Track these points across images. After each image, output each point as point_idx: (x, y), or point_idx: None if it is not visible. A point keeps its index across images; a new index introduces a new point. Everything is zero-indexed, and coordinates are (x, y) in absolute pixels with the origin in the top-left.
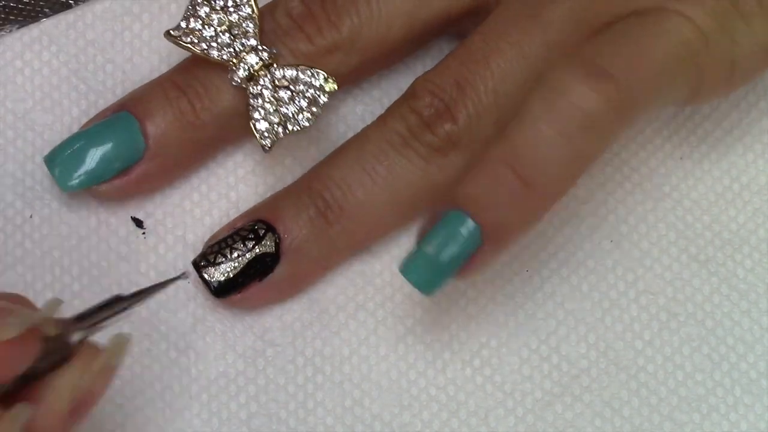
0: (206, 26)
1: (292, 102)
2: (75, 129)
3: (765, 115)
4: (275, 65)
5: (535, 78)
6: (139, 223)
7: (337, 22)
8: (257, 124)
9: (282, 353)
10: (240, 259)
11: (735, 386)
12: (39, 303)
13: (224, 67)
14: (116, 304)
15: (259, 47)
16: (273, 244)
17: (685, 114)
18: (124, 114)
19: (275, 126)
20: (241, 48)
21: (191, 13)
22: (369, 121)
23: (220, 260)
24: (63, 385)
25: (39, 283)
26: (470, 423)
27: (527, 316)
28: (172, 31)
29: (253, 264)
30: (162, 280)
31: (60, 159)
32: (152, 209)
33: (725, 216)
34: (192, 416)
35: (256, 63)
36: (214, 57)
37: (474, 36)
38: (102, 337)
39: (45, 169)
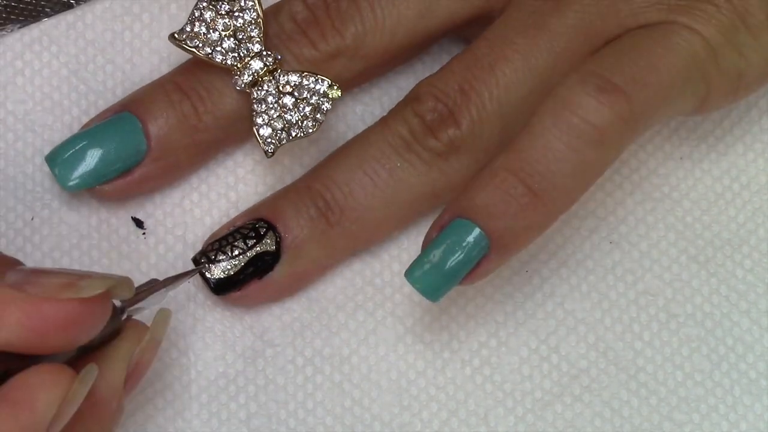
0: (211, 30)
1: (296, 108)
2: (75, 129)
3: (765, 115)
4: (279, 70)
5: (540, 88)
6: (139, 223)
7: (341, 28)
8: (260, 129)
9: (281, 353)
10: (240, 257)
11: (734, 386)
12: None
13: (227, 70)
14: (152, 288)
15: (264, 52)
16: (273, 242)
17: None
18: (127, 115)
19: (279, 132)
20: (246, 53)
21: (196, 16)
22: (369, 121)
23: (220, 258)
24: (118, 356)
25: None
26: (470, 422)
27: (527, 316)
28: (176, 35)
29: (253, 262)
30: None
31: (61, 158)
32: (152, 209)
33: (725, 216)
34: (192, 416)
35: (261, 68)
36: (218, 61)
37: (480, 42)
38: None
39: (46, 169)
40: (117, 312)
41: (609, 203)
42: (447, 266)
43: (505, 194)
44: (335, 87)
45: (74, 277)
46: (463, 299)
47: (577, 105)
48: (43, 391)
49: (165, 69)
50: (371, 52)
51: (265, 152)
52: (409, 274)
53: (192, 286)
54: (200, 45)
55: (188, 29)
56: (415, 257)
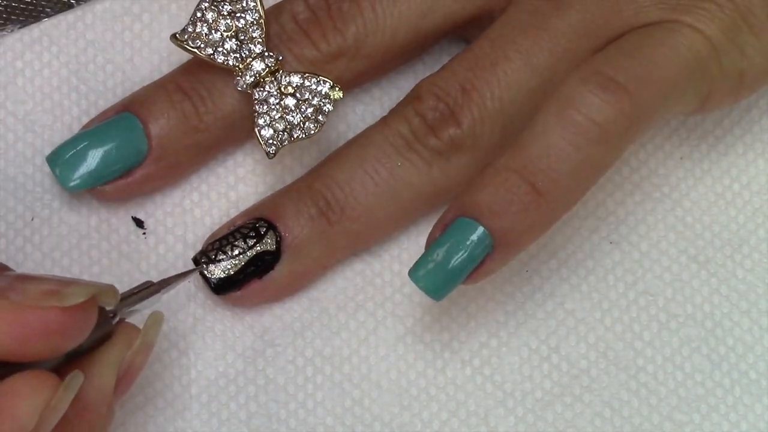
0: (213, 31)
1: (297, 110)
2: (76, 129)
3: (765, 115)
4: (281, 71)
5: (542, 87)
6: (139, 223)
7: (343, 28)
8: (262, 130)
9: (282, 353)
10: (240, 256)
11: (734, 386)
12: None
13: (228, 70)
14: (147, 290)
15: (266, 53)
16: (274, 242)
17: None
18: (128, 115)
19: (280, 133)
20: (248, 54)
21: (198, 17)
22: (369, 121)
23: (220, 257)
24: (109, 360)
25: None
26: (470, 423)
27: (527, 316)
28: (177, 35)
29: (254, 262)
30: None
31: (62, 159)
32: (153, 209)
33: (725, 216)
34: (192, 416)
35: (263, 69)
36: (219, 62)
37: (481, 41)
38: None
39: (46, 170)
40: (107, 316)
41: (609, 203)
42: (451, 265)
43: (509, 193)
44: (337, 88)
45: (59, 285)
46: (463, 299)
47: (580, 103)
48: (26, 399)
49: (165, 69)
50: (372, 52)
51: (267, 153)
52: (413, 273)
53: (192, 286)
54: (202, 45)
55: (190, 30)
56: (418, 256)
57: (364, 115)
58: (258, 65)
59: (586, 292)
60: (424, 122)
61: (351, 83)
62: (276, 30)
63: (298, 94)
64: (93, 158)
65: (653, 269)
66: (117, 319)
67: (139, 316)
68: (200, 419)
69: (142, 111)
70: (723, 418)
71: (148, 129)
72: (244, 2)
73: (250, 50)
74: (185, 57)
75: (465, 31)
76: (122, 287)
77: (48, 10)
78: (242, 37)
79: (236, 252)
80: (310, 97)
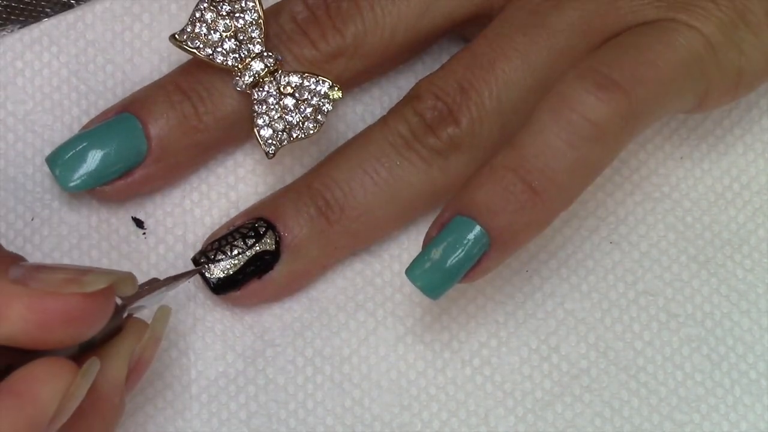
0: (212, 31)
1: (296, 110)
2: (76, 129)
3: (765, 115)
4: (280, 71)
5: (540, 85)
6: (139, 223)
7: (342, 28)
8: (261, 131)
9: (282, 353)
10: (240, 256)
11: (734, 386)
12: None
13: (227, 70)
14: (153, 286)
15: (265, 53)
16: (273, 242)
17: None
18: (127, 116)
19: (279, 133)
20: (247, 54)
21: (197, 17)
22: (369, 121)
23: (219, 257)
24: (120, 353)
25: None
26: (470, 423)
27: (527, 316)
28: (177, 35)
29: (253, 261)
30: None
31: (62, 159)
32: (152, 209)
33: (725, 216)
34: (192, 416)
35: (262, 69)
36: (219, 62)
37: (479, 40)
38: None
39: (46, 170)
40: (119, 310)
41: (609, 203)
42: (448, 264)
43: (505, 191)
44: (336, 88)
45: (77, 273)
46: (463, 299)
47: (576, 102)
48: (46, 384)
49: (165, 69)
50: (372, 52)
51: (266, 153)
52: (410, 272)
53: (192, 286)
54: (201, 46)
55: (189, 30)
56: (416, 255)
57: (364, 115)
58: (257, 65)
59: (586, 292)
60: (423, 122)
61: (350, 83)
62: (275, 30)
63: (297, 94)
64: (93, 159)
65: (653, 269)
66: (126, 313)
67: (146, 312)
68: (200, 419)
69: (142, 112)
70: (723, 418)
71: (147, 129)
72: (243, 2)
73: (249, 50)
74: (185, 57)
75: (464, 29)
76: None
77: (48, 10)
78: (241, 37)
79: (235, 252)
80: (309, 97)
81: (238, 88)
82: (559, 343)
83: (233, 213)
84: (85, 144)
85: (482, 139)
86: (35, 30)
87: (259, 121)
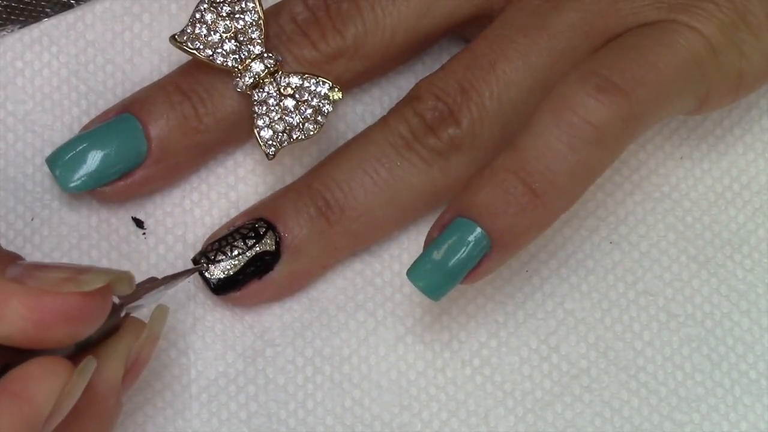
0: (212, 32)
1: (297, 111)
2: (75, 129)
3: (765, 115)
4: (280, 72)
5: (541, 86)
6: (139, 223)
7: (342, 29)
8: (261, 132)
9: (282, 353)
10: (240, 257)
11: (734, 386)
12: None
13: (227, 71)
14: (151, 285)
15: (265, 54)
16: (273, 242)
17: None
18: (127, 116)
19: (280, 134)
20: (247, 55)
21: (197, 18)
22: (369, 121)
23: (220, 258)
24: (117, 352)
25: None
26: (470, 423)
27: (527, 316)
28: (176, 36)
29: (253, 262)
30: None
31: (62, 160)
32: (152, 209)
33: (725, 216)
34: (192, 416)
35: (262, 70)
36: (219, 63)
37: (480, 41)
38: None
39: (46, 170)
40: (116, 308)
41: (609, 203)
42: (449, 265)
43: (506, 194)
44: (336, 89)
45: (75, 272)
46: (463, 299)
47: (576, 104)
48: (42, 383)
49: (165, 69)
50: (372, 52)
51: (266, 154)
52: (411, 273)
53: (192, 286)
54: (201, 47)
55: (189, 31)
56: (417, 257)
57: (364, 115)
58: (257, 66)
59: (586, 292)
60: (424, 122)
61: (350, 83)
62: (275, 31)
63: (297, 95)
64: (93, 160)
65: (653, 269)
66: (123, 312)
67: (144, 311)
68: (200, 419)
69: (142, 112)
70: (723, 418)
71: (147, 130)
72: (243, 3)
73: (249, 51)
74: (185, 57)
75: (464, 30)
76: None
77: (48, 10)
78: (241, 38)
79: (236, 252)
80: (310, 98)
81: (238, 89)
82: (559, 343)
83: (233, 213)
84: (85, 145)
85: (483, 140)
86: (35, 30)
87: (260, 122)
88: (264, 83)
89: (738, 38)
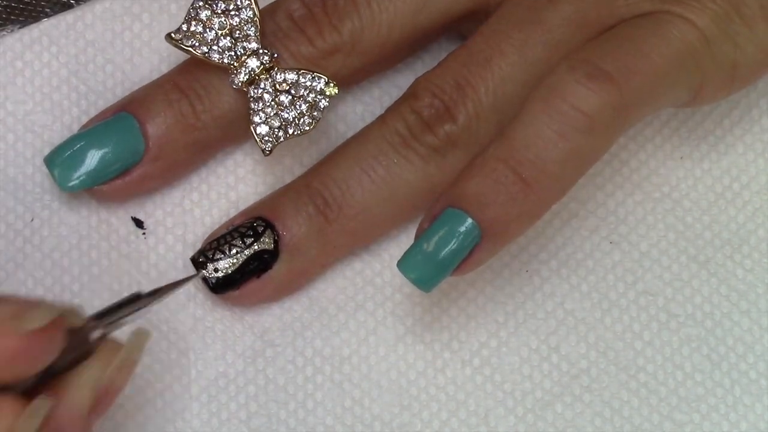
0: (207, 29)
1: (292, 106)
2: (75, 129)
3: (765, 114)
4: (276, 69)
5: (536, 80)
6: (139, 223)
7: (338, 24)
8: (258, 128)
9: (282, 353)
10: (238, 255)
11: (734, 386)
12: None
13: (225, 69)
14: (135, 303)
15: (260, 51)
16: (272, 241)
17: (685, 113)
18: (125, 115)
19: (276, 130)
20: (242, 51)
21: (192, 16)
22: (368, 120)
23: (218, 257)
24: (85, 380)
25: (39, 286)
26: (470, 422)
27: (527, 316)
28: (173, 34)
29: (252, 261)
30: (179, 279)
31: (60, 159)
32: (152, 209)
33: (725, 216)
34: (192, 416)
35: (257, 67)
36: (215, 60)
37: (475, 37)
38: (120, 334)
39: (45, 170)
40: (83, 335)
41: (609, 203)
42: (440, 256)
43: (496, 183)
44: (332, 84)
45: (20, 309)
46: (463, 299)
47: (567, 92)
48: None
49: (165, 68)
50: (369, 48)
51: (263, 150)
52: (402, 264)
53: (192, 286)
54: (197, 44)
55: (184, 28)
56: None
57: (364, 115)
58: (252, 63)
59: (586, 292)
60: (420, 119)
61: (347, 79)
62: (271, 27)
63: (293, 91)
64: (91, 159)
65: (653, 269)
66: (98, 334)
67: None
68: (200, 419)
69: (140, 111)
70: (723, 417)
71: (145, 128)
72: (239, 0)
73: (244, 48)
74: (184, 56)
75: (461, 26)
76: (121, 288)
77: (48, 10)
78: (237, 35)
79: (234, 251)
80: (305, 94)
81: (234, 86)
82: (559, 343)
83: (233, 213)
84: (82, 143)
85: (479, 136)
86: (35, 30)
87: (256, 119)
88: (260, 79)
89: (732, 30)
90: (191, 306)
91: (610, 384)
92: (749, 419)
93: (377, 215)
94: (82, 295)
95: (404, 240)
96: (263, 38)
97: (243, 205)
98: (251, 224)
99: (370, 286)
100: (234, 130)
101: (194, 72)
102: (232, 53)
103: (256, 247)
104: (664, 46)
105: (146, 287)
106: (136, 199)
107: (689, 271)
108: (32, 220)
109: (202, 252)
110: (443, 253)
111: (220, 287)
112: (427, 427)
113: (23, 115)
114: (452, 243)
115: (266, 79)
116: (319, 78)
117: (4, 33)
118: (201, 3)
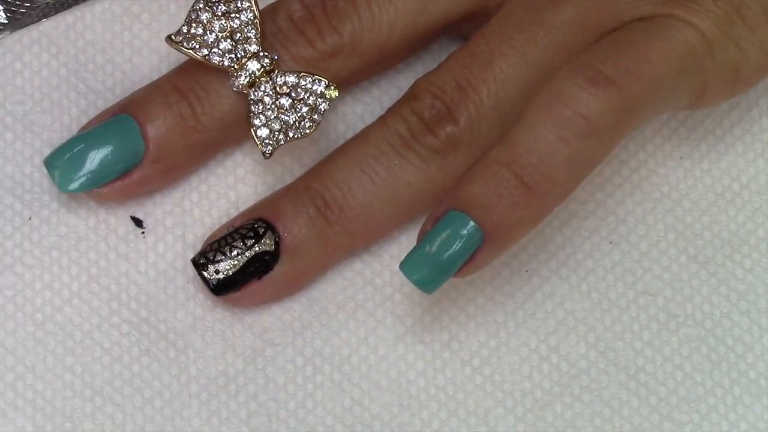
0: (208, 32)
1: (293, 109)
2: (74, 129)
3: (765, 114)
4: (276, 71)
5: (537, 83)
6: (138, 222)
7: (339, 26)
8: (258, 131)
9: (281, 353)
10: (239, 257)
11: (734, 386)
12: (34, 303)
13: (225, 71)
14: None
15: (261, 53)
16: (272, 242)
17: (685, 113)
18: (125, 117)
19: (276, 133)
20: (243, 54)
21: (192, 18)
22: (368, 121)
23: (219, 258)
24: None
25: (38, 283)
26: (469, 422)
27: (526, 316)
28: (173, 37)
29: (253, 262)
30: None
31: (60, 162)
32: (152, 208)
33: (724, 216)
34: (191, 415)
35: (258, 69)
36: (215, 63)
37: (477, 38)
38: None
39: (44, 170)
40: None
41: (609, 203)
42: (442, 259)
43: (498, 187)
44: (332, 87)
45: None
46: (463, 299)
47: (569, 97)
48: None
49: (164, 69)
50: (369, 50)
51: (263, 153)
52: (405, 266)
53: (191, 286)
54: (197, 47)
55: (185, 30)
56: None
57: (364, 115)
58: (253, 65)
59: (586, 292)
60: (422, 121)
61: (348, 81)
62: (272, 29)
63: (293, 94)
64: (90, 161)
65: (653, 269)
66: None
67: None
68: (200, 418)
69: (139, 112)
70: (722, 417)
71: (144, 130)
72: (239, 2)
73: (245, 50)
74: (184, 57)
75: (461, 27)
76: (121, 287)
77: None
78: (237, 37)
79: (235, 253)
80: (306, 97)
81: (235, 89)
82: (559, 343)
83: (233, 213)
84: (82, 146)
85: (481, 138)
86: (34, 31)
87: (256, 121)
88: (260, 82)
89: (734, 33)
90: (191, 305)
91: (610, 384)
92: (749, 419)
93: (378, 216)
94: (80, 295)
95: (404, 240)
96: (263, 39)
97: (242, 206)
98: (252, 225)
99: (370, 286)
100: (234, 132)
101: (194, 74)
102: (233, 56)
103: (257, 249)
104: (666, 50)
105: (145, 287)
106: (136, 198)
107: (689, 271)
108: (30, 218)
109: (202, 254)
110: (446, 255)
111: (220, 289)
112: (426, 427)
113: (22, 115)
114: (455, 245)
115: (266, 82)
116: (320, 81)
117: (4, 35)
118: (201, 5)
